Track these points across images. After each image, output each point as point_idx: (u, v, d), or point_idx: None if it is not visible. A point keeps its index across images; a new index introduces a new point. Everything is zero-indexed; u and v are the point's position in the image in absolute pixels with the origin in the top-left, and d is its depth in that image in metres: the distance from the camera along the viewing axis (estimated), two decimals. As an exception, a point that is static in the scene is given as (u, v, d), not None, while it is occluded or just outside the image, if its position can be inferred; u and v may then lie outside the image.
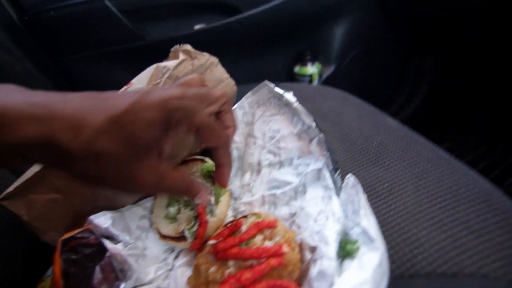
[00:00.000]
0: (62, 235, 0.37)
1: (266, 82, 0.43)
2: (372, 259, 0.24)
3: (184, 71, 0.45)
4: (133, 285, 0.35)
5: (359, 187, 0.31)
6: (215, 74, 0.49)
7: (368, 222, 0.27)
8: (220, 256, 0.30)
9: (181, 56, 0.46)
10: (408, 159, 0.41)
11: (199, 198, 0.28)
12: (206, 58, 0.48)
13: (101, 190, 0.41)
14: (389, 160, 0.42)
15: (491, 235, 0.30)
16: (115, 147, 0.21)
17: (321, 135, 0.38)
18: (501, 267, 0.27)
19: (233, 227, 0.33)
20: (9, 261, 0.43)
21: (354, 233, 0.30)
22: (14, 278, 0.42)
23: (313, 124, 0.38)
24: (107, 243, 0.37)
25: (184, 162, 0.46)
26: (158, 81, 0.45)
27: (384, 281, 0.24)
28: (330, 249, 0.28)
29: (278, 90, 0.42)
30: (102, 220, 0.39)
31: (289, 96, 0.40)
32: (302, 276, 0.31)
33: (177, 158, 0.47)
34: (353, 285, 0.23)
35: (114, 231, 0.38)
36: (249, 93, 0.46)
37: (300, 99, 0.62)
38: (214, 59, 0.49)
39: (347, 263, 0.28)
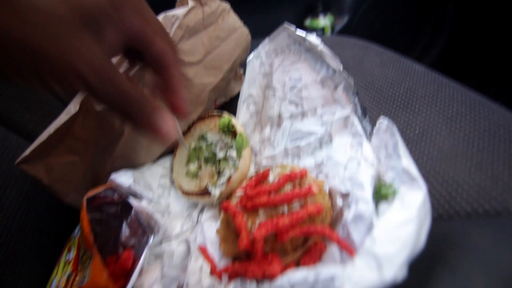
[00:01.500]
0: (84, 196, 0.37)
1: (286, 25, 0.40)
2: (415, 198, 0.23)
3: (195, 20, 0.42)
4: (161, 239, 0.35)
5: (395, 129, 0.29)
6: (228, 22, 0.45)
7: (408, 161, 0.26)
8: (250, 207, 0.29)
9: (190, 3, 0.42)
10: (440, 103, 0.39)
11: (159, 125, 0.20)
12: (217, 4, 0.44)
13: (118, 148, 0.40)
14: (419, 105, 0.39)
15: (538, 172, 0.28)
16: (58, 5, 0.16)
17: (349, 79, 0.35)
18: (549, 203, 0.26)
19: (261, 177, 0.32)
20: (35, 225, 0.44)
21: (389, 178, 0.28)
22: (41, 241, 0.43)
23: (340, 67, 0.35)
24: (132, 200, 0.36)
25: (201, 118, 0.44)
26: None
27: (428, 221, 0.23)
28: (366, 193, 0.27)
29: (299, 33, 0.38)
30: (124, 178, 0.38)
31: (313, 39, 0.37)
32: (334, 223, 0.30)
33: (192, 115, 0.45)
34: (398, 223, 0.22)
35: (137, 188, 0.37)
36: (266, 40, 0.42)
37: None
38: (226, 5, 0.45)
39: (384, 207, 0.27)
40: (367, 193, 0.27)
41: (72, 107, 0.36)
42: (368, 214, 0.25)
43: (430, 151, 0.34)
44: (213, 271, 0.29)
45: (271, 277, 0.26)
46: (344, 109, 0.36)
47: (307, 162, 0.37)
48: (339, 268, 0.21)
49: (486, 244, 0.24)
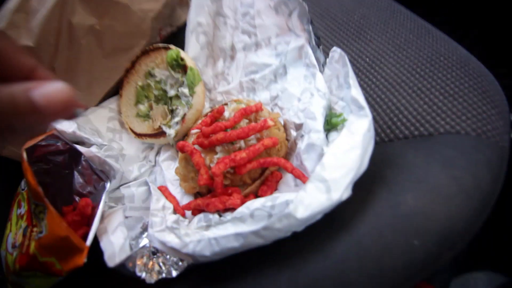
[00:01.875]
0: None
1: None
2: (361, 125, 0.25)
3: None
4: (119, 184, 0.35)
5: (346, 59, 0.29)
6: None
7: (356, 91, 0.26)
8: (207, 144, 0.29)
9: None
10: (390, 31, 0.39)
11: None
12: None
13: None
14: (371, 33, 0.39)
15: (465, 97, 0.31)
16: None
17: (303, 5, 0.33)
18: (472, 123, 0.29)
19: (216, 114, 0.32)
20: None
21: (339, 107, 0.29)
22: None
23: None
24: (80, 148, 0.34)
25: (145, 52, 0.40)
26: None
27: (371, 146, 0.25)
28: (317, 123, 0.28)
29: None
30: (66, 125, 0.35)
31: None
32: (289, 153, 0.32)
33: (134, 49, 0.40)
34: (345, 149, 0.23)
35: (83, 134, 0.34)
36: (212, -42, 0.37)
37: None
38: None
39: (334, 135, 0.28)
40: (319, 123, 0.28)
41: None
42: (319, 142, 0.27)
43: (378, 79, 0.35)
44: (176, 209, 0.30)
45: (232, 208, 0.28)
46: (299, 38, 0.35)
47: (262, 96, 0.37)
48: (293, 194, 0.23)
49: (418, 162, 0.27)
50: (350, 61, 0.38)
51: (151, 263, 0.27)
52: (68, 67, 0.36)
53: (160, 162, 0.37)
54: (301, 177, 0.27)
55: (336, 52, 0.30)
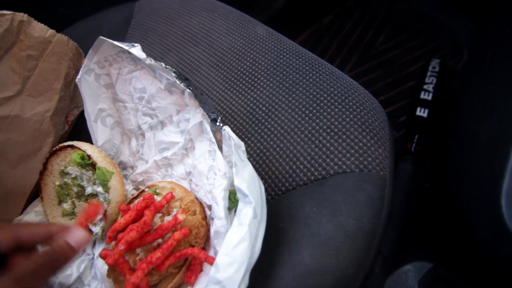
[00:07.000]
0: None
1: (101, 38, 0.35)
2: (247, 213, 0.27)
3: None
4: (58, 293, 0.35)
5: (231, 140, 0.31)
6: (34, 34, 0.37)
7: (239, 179, 0.28)
8: (126, 249, 0.30)
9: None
10: (280, 73, 0.42)
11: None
12: (8, 18, 0.35)
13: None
14: (263, 78, 0.42)
15: (347, 133, 0.35)
16: None
17: (190, 89, 0.34)
18: (355, 160, 0.33)
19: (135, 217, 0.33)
20: None
21: None
22: None
23: (176, 80, 0.34)
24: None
25: (54, 153, 0.40)
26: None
27: (262, 228, 0.27)
28: (220, 209, 0.30)
29: (121, 45, 0.34)
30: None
31: (137, 52, 0.34)
32: (209, 231, 0.34)
33: (43, 150, 0.40)
34: (234, 244, 0.26)
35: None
36: (90, 52, 0.37)
37: (166, 17, 0.54)
38: (22, 15, 0.37)
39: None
40: (221, 209, 0.30)
41: None
42: (223, 230, 0.29)
43: (275, 127, 0.38)
44: None
45: None
46: (197, 114, 0.37)
47: (179, 171, 0.39)
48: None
49: (313, 213, 0.30)
50: (249, 111, 0.41)
51: None
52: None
53: (96, 256, 0.38)
54: (211, 263, 0.29)
55: (226, 131, 0.32)
